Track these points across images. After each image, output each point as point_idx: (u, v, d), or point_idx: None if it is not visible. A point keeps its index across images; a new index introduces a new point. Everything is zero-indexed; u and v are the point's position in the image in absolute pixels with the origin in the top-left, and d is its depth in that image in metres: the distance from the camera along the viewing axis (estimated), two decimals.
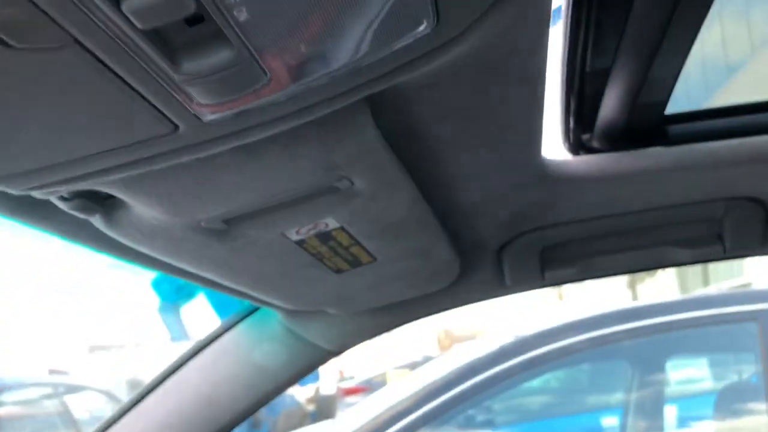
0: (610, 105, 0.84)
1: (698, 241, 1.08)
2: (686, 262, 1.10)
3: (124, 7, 0.35)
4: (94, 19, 0.36)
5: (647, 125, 0.89)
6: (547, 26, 0.59)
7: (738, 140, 0.93)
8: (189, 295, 5.46)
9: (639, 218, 1.04)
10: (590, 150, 0.90)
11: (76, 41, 0.37)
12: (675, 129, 0.92)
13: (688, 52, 0.77)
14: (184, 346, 1.25)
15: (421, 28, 0.46)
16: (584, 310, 3.05)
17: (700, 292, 2.96)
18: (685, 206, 1.03)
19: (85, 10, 0.35)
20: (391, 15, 0.44)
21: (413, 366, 9.52)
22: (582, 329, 2.96)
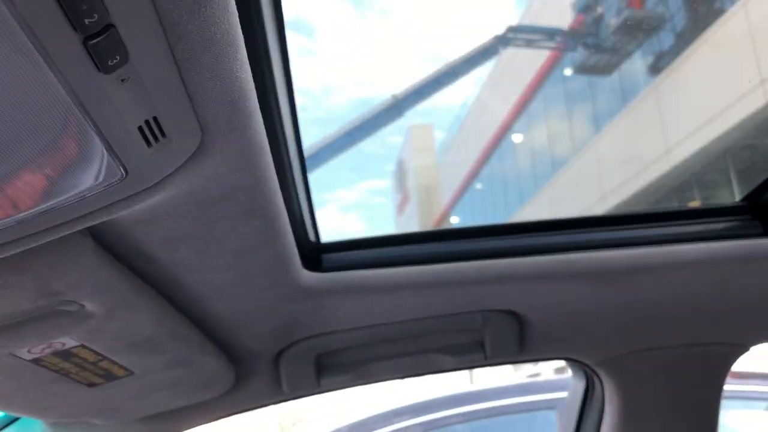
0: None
1: (462, 349, 1.15)
2: (451, 368, 1.17)
3: None
4: None
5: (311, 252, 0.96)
6: (268, 162, 0.62)
7: (488, 261, 1.02)
8: None
9: (407, 327, 1.10)
10: (339, 269, 0.95)
11: None
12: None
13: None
14: None
15: (111, 180, 0.48)
16: (411, 397, 3.22)
17: (510, 381, 3.19)
18: (448, 317, 1.10)
19: None
20: (74, 166, 0.45)
21: None
22: (408, 414, 3.11)
